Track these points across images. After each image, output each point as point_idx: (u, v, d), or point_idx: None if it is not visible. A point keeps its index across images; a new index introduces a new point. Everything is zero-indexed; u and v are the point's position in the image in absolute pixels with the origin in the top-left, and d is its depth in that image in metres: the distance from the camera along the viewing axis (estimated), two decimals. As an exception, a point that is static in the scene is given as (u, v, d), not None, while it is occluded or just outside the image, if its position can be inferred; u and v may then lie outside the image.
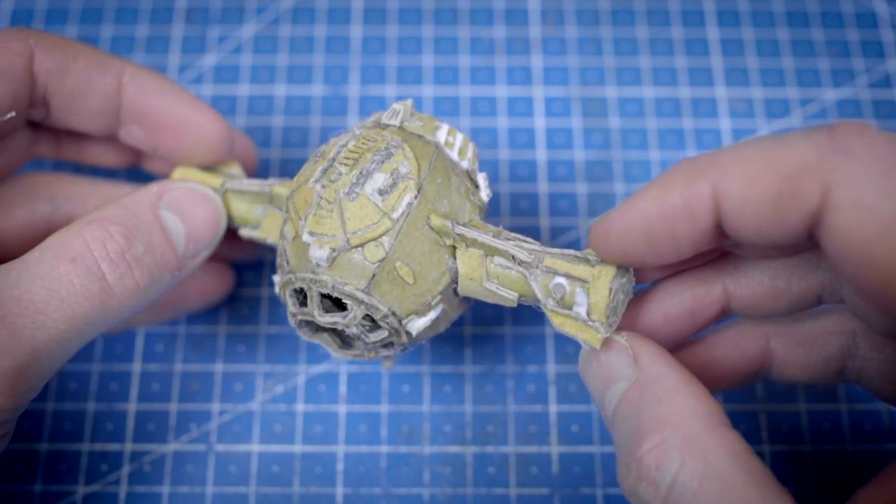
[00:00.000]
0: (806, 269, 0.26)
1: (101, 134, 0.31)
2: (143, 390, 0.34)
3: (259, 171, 0.37)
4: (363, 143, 0.27)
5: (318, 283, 0.26)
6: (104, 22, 0.40)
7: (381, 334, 0.27)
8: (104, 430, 0.33)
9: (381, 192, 0.26)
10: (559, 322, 0.25)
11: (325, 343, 0.28)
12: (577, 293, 0.25)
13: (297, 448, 0.33)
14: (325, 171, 0.26)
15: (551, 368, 0.34)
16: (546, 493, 0.32)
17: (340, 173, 0.26)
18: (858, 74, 0.39)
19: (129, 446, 0.33)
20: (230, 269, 0.34)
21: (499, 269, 0.26)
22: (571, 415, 0.33)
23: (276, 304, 0.35)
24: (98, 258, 0.25)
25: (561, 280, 0.25)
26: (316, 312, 0.27)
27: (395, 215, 0.26)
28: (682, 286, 0.27)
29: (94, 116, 0.30)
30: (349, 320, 0.26)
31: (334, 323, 0.26)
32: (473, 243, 0.26)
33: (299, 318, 0.28)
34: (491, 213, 0.36)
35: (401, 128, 0.27)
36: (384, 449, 0.33)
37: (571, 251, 0.26)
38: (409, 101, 0.28)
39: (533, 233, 0.36)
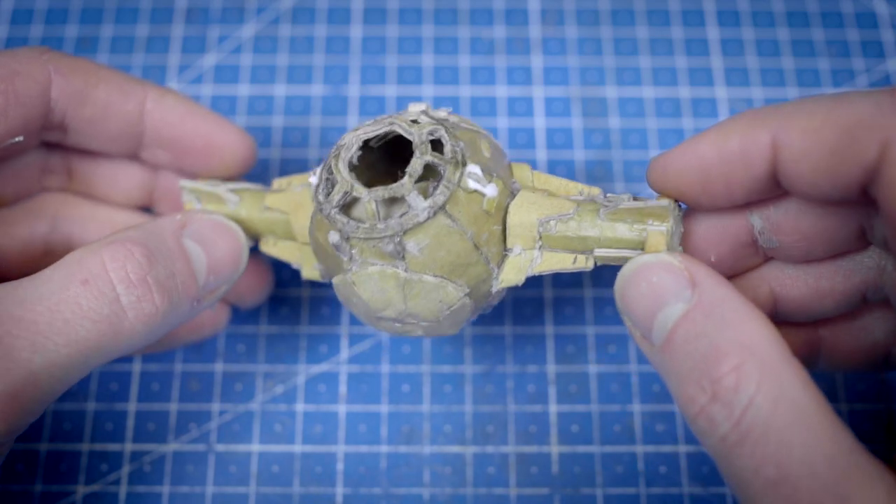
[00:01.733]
0: (850, 270, 0.26)
1: (121, 155, 0.30)
2: (143, 390, 0.34)
3: (259, 170, 0.37)
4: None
5: (366, 131, 0.26)
6: (104, 22, 0.40)
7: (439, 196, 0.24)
8: (104, 429, 0.33)
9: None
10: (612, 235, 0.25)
11: (338, 214, 0.25)
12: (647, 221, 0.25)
13: (297, 448, 0.33)
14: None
15: (551, 368, 0.34)
16: (546, 493, 0.32)
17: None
18: (858, 74, 0.39)
19: (129, 446, 0.33)
20: (226, 308, 0.33)
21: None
22: (571, 415, 0.33)
23: (276, 304, 0.35)
24: (114, 280, 0.24)
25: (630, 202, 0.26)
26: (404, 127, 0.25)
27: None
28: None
29: (114, 140, 0.29)
30: (423, 160, 0.24)
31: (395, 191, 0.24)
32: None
33: (326, 165, 0.26)
34: (491, 213, 0.36)
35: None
36: (384, 449, 0.33)
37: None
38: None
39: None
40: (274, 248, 0.29)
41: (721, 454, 0.21)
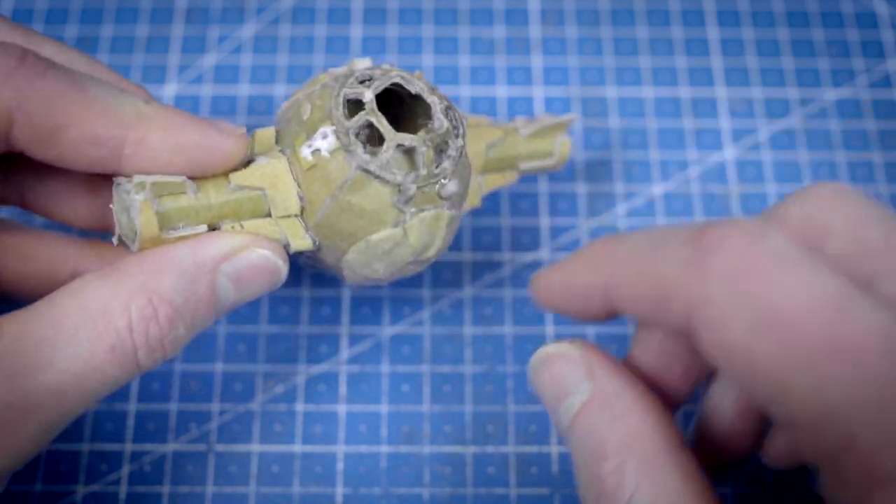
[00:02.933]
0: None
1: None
2: (142, 390, 0.34)
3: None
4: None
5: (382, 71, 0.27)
6: (104, 22, 0.40)
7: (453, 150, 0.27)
8: (104, 430, 0.33)
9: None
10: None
11: (392, 167, 0.26)
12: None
13: (297, 448, 0.33)
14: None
15: (551, 368, 0.34)
16: (546, 493, 0.32)
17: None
18: (858, 74, 0.39)
19: (129, 446, 0.33)
20: None
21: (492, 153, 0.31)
22: (571, 415, 0.33)
23: (275, 303, 0.35)
24: (137, 344, 0.23)
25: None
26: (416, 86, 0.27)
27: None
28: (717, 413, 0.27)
29: (76, 179, 0.27)
30: (442, 104, 0.27)
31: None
32: (478, 135, 0.31)
33: (358, 123, 0.26)
34: (491, 212, 0.36)
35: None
36: (384, 449, 0.33)
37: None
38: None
39: (533, 233, 0.36)
40: (242, 231, 0.26)
41: None
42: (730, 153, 0.38)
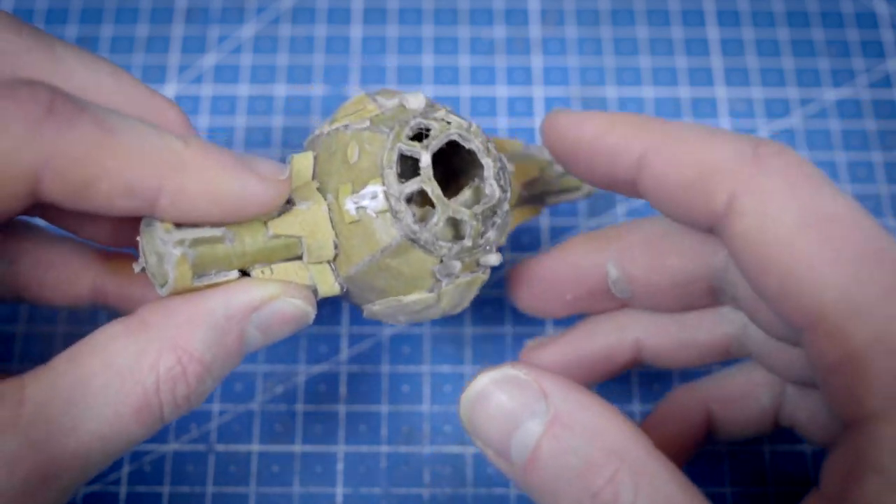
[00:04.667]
0: (713, 323, 0.28)
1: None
2: (143, 390, 0.34)
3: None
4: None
5: (433, 113, 0.26)
6: (104, 22, 0.40)
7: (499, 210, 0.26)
8: (104, 430, 0.33)
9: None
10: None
11: (440, 240, 0.25)
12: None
13: (297, 448, 0.33)
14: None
15: (551, 368, 0.34)
16: (546, 493, 0.32)
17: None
18: (858, 74, 0.39)
19: (129, 446, 0.33)
20: None
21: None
22: (571, 415, 0.33)
23: (276, 304, 0.35)
24: (164, 404, 0.22)
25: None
26: (443, 127, 0.25)
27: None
28: (597, 330, 0.29)
29: (102, 228, 0.26)
30: (495, 167, 0.26)
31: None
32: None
33: (411, 190, 0.24)
34: (491, 213, 0.36)
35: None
36: (384, 449, 0.33)
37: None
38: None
39: (533, 232, 0.36)
40: (272, 276, 0.25)
41: None
42: (730, 153, 0.38)
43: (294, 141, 0.38)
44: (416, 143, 0.24)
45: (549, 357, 0.29)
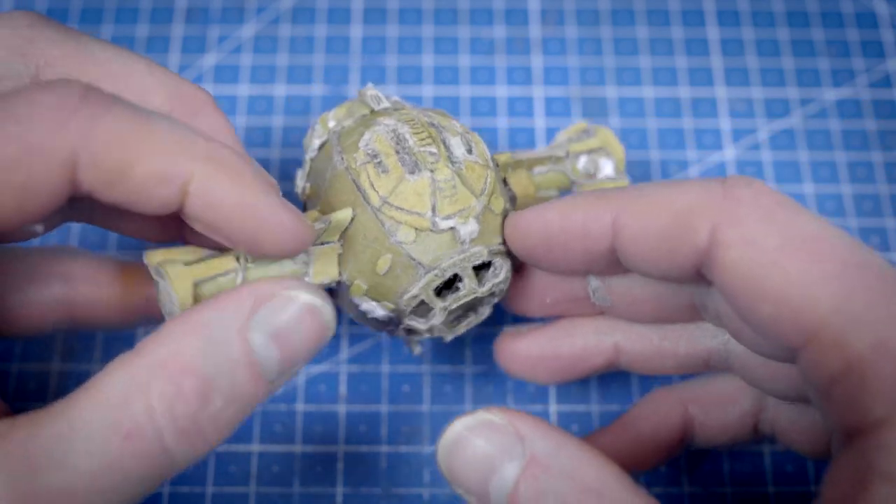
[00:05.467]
0: (695, 337, 0.28)
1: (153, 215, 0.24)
2: (143, 390, 0.34)
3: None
4: (416, 125, 0.26)
5: (472, 256, 0.26)
6: (104, 22, 0.40)
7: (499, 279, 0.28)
8: (104, 430, 0.33)
9: (470, 151, 0.27)
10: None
11: (466, 326, 0.29)
12: (599, 161, 0.30)
13: (297, 448, 0.33)
14: (413, 162, 0.26)
15: (551, 368, 0.34)
16: (546, 493, 0.32)
17: (433, 153, 0.26)
18: (858, 74, 0.39)
19: (129, 446, 0.33)
20: None
21: (540, 177, 0.30)
22: (571, 415, 0.33)
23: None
24: (162, 428, 0.20)
25: (584, 157, 0.30)
26: (478, 287, 0.27)
27: (490, 163, 0.27)
28: (577, 330, 0.29)
29: (146, 215, 0.24)
30: (504, 276, 0.27)
31: (495, 286, 0.27)
32: (520, 163, 0.29)
33: (452, 306, 0.27)
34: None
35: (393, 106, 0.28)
36: (384, 449, 0.33)
37: (565, 137, 0.31)
38: (370, 85, 0.29)
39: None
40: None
41: None
42: (730, 153, 0.38)
43: (294, 141, 0.38)
44: (437, 300, 0.27)
45: (525, 348, 0.29)
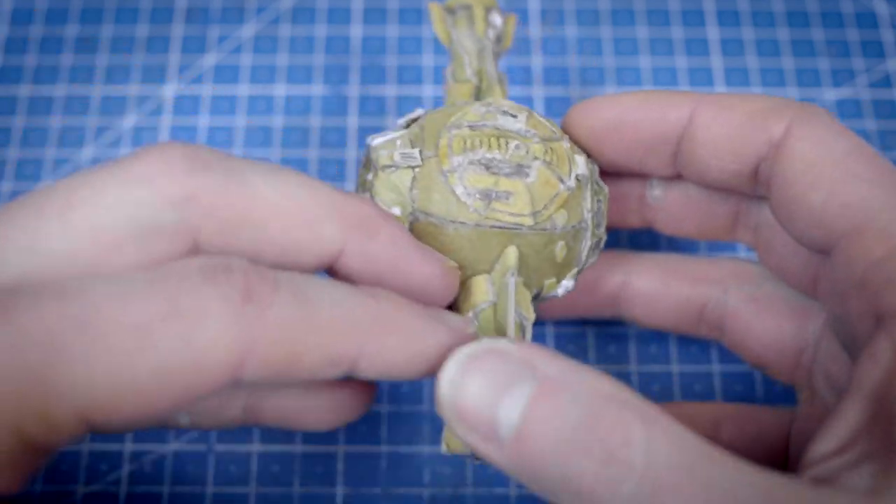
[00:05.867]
0: (696, 278, 0.29)
1: None
2: (143, 390, 0.34)
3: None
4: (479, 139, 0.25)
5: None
6: (104, 22, 0.40)
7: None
8: (104, 430, 0.33)
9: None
10: None
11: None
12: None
13: (297, 448, 0.33)
14: (515, 166, 0.25)
15: (551, 368, 0.34)
16: (546, 493, 0.32)
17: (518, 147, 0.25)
18: (858, 74, 0.39)
19: (129, 446, 0.33)
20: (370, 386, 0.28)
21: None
22: (571, 415, 0.33)
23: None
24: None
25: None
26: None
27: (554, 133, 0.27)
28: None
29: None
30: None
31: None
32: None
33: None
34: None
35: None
36: (384, 449, 0.33)
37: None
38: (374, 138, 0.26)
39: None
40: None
41: None
42: (730, 153, 0.38)
43: (294, 141, 0.38)
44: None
45: None
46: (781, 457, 0.28)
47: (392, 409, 0.33)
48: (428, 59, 0.39)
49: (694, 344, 0.34)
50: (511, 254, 0.24)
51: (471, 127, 0.25)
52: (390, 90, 0.39)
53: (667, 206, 0.29)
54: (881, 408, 0.20)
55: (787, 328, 0.28)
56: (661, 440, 0.18)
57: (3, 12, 0.40)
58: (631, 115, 0.27)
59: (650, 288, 0.30)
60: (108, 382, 0.18)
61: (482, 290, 0.24)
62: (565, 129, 0.28)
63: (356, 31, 0.40)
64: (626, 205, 0.30)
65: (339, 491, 0.32)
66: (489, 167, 0.24)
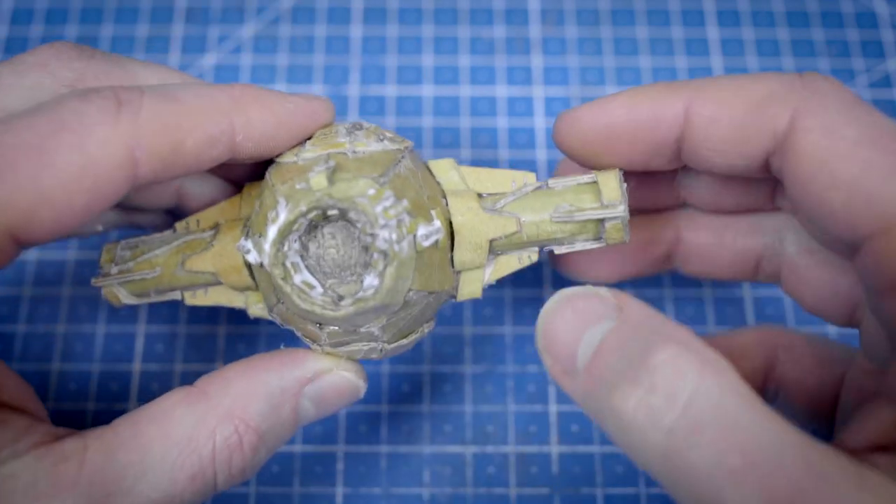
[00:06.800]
0: (751, 229, 0.28)
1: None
2: (143, 390, 0.34)
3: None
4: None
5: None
6: (104, 22, 0.40)
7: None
8: (104, 430, 0.33)
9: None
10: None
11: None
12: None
13: (297, 448, 0.33)
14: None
15: (551, 368, 0.34)
16: (546, 493, 0.32)
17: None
18: (858, 74, 0.39)
19: (128, 446, 0.33)
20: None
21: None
22: (571, 415, 0.33)
23: (276, 304, 0.35)
24: (218, 472, 0.23)
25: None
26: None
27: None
28: (642, 222, 0.29)
29: (192, 180, 0.29)
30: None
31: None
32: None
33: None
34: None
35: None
36: (384, 449, 0.33)
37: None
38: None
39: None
40: (205, 298, 0.27)
41: (669, 450, 0.19)
42: (730, 153, 0.38)
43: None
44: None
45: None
46: (833, 394, 0.27)
47: (392, 409, 0.33)
48: (428, 59, 0.39)
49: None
50: None
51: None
52: (390, 90, 0.39)
53: (698, 247, 0.29)
54: None
55: (842, 282, 0.27)
56: (711, 382, 0.19)
57: (3, 12, 0.40)
58: (620, 124, 0.25)
59: (705, 242, 0.29)
60: (22, 199, 0.21)
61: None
62: (557, 140, 0.26)
63: (356, 31, 0.40)
64: (655, 249, 0.30)
65: (339, 491, 0.32)
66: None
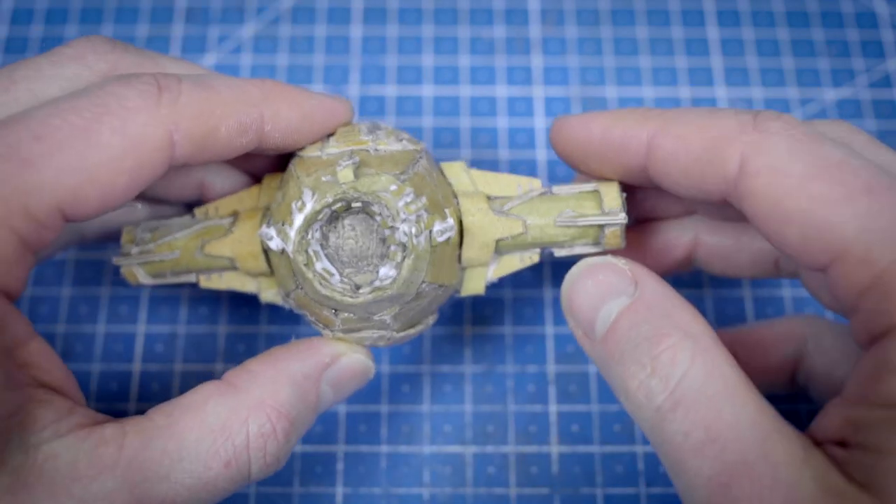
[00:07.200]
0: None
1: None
2: (143, 390, 0.34)
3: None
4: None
5: None
6: (104, 22, 0.40)
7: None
8: (104, 430, 0.33)
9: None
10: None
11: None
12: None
13: (297, 448, 0.33)
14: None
15: (551, 368, 0.34)
16: (546, 493, 0.32)
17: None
18: (858, 74, 0.39)
19: (129, 446, 0.33)
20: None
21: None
22: (571, 415, 0.33)
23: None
24: (252, 459, 0.24)
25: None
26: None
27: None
28: (660, 227, 0.31)
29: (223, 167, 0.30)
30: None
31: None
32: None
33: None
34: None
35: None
36: (384, 449, 0.33)
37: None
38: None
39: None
40: (220, 281, 0.29)
41: (654, 423, 0.22)
42: (730, 153, 0.38)
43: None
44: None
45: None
46: (786, 378, 0.30)
47: (392, 409, 0.33)
48: (428, 59, 0.39)
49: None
50: None
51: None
52: (390, 90, 0.39)
53: (717, 250, 0.30)
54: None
55: None
56: (700, 368, 0.22)
57: (3, 12, 0.40)
58: (595, 143, 0.27)
59: (723, 245, 0.30)
60: (70, 177, 0.23)
61: None
62: (551, 142, 0.28)
63: (356, 31, 0.40)
64: (675, 252, 0.30)
65: (339, 491, 0.32)
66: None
